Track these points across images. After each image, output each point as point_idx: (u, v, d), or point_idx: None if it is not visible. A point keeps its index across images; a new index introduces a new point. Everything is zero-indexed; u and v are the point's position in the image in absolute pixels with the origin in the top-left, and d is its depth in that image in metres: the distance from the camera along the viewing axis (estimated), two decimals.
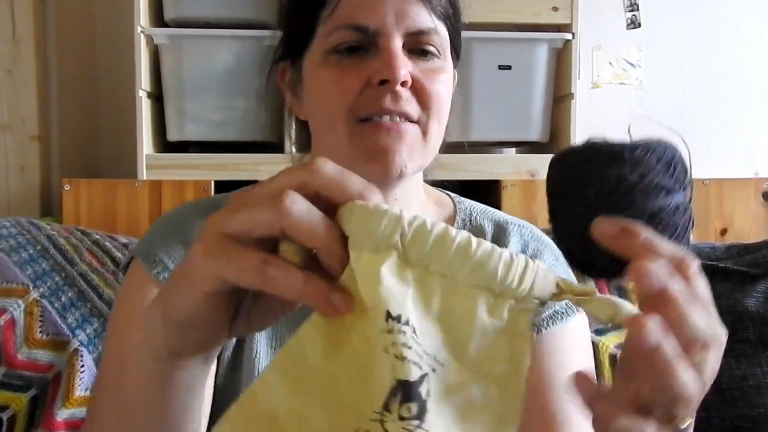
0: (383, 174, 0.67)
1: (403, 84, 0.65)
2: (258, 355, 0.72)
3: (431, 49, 0.68)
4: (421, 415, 0.36)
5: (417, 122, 0.68)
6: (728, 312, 1.29)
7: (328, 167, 0.39)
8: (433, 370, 0.37)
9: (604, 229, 0.41)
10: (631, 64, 1.96)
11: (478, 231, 0.81)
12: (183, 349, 0.44)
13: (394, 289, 0.37)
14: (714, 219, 1.68)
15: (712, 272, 1.33)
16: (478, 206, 0.85)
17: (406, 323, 0.37)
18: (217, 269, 0.39)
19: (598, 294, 0.38)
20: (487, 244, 0.38)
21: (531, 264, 0.39)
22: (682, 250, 0.39)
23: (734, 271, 1.32)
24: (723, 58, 1.99)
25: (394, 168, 0.66)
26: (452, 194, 0.87)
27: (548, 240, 0.84)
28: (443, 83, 0.69)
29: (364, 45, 0.67)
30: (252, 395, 0.39)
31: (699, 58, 1.98)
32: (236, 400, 0.39)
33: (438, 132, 0.70)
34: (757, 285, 1.30)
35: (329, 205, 0.39)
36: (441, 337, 0.38)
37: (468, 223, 0.82)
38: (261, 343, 0.73)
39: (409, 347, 0.37)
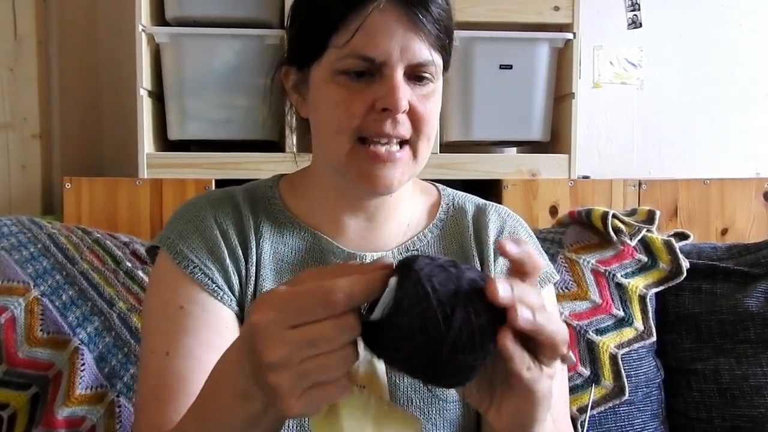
0: (373, 194, 0.81)
1: (402, 112, 0.75)
2: None
3: (427, 76, 0.77)
4: None
5: (408, 142, 0.78)
6: (729, 312, 1.29)
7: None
8: None
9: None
10: (632, 64, 1.96)
11: (460, 212, 0.91)
12: None
13: None
14: (715, 219, 1.68)
15: (713, 272, 1.33)
16: (460, 193, 0.95)
17: None
18: (302, 410, 0.51)
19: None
20: None
21: None
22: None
23: (735, 272, 1.32)
24: (724, 57, 1.99)
25: (384, 190, 0.78)
26: (437, 184, 0.96)
27: (522, 220, 0.94)
28: (434, 104, 0.79)
29: (371, 71, 0.75)
30: None
31: (700, 57, 1.98)
32: None
33: (426, 149, 0.80)
34: (758, 285, 1.30)
35: None
36: None
37: (452, 207, 0.92)
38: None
39: None
